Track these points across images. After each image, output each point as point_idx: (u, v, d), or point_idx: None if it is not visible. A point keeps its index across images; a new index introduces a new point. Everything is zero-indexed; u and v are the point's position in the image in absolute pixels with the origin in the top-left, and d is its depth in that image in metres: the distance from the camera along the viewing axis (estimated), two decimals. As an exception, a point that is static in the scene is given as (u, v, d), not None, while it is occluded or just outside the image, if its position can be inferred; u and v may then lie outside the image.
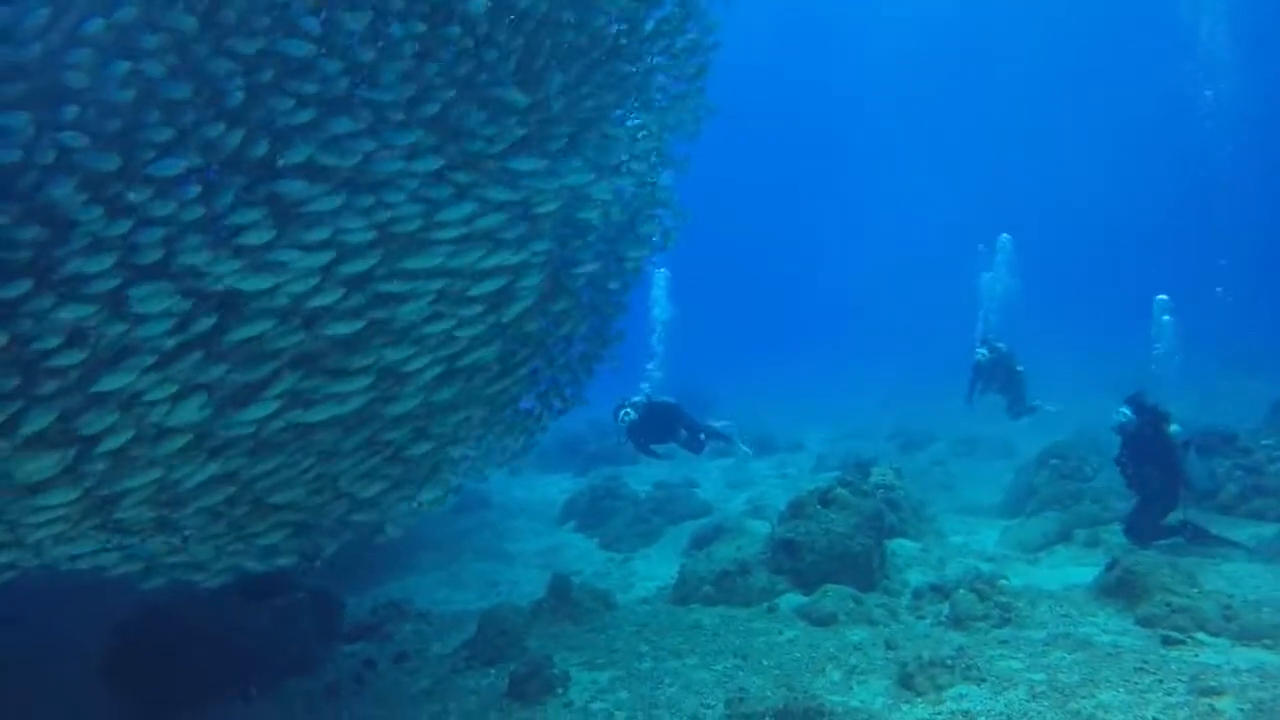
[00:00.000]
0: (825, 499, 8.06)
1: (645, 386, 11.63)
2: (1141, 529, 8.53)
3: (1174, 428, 8.62)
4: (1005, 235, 15.51)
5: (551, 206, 5.18)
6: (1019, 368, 13.39)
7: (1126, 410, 8.84)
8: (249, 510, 4.90)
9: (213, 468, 4.38)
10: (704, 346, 42.58)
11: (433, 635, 7.88)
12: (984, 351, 13.46)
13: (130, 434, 3.96)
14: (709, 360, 37.75)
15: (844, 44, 56.90)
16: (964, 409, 13.69)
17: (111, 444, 3.90)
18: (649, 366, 12.64)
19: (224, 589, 6.84)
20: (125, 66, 3.68)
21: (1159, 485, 8.53)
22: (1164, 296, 14.30)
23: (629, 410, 10.77)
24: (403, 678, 6.79)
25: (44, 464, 3.77)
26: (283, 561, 5.56)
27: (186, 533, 4.67)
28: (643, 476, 15.59)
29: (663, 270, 13.87)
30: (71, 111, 3.61)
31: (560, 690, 6.02)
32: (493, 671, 6.61)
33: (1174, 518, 8.63)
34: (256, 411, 4.35)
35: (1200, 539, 8.32)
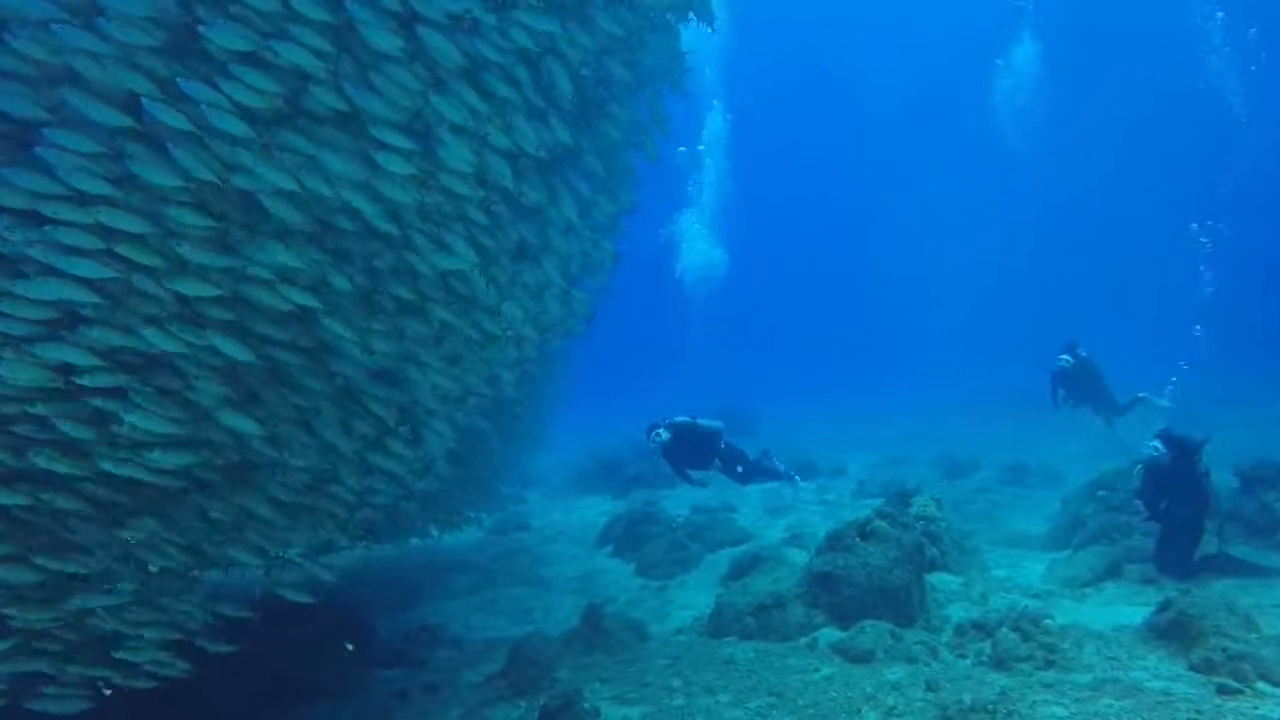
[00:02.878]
0: (864, 531, 7.88)
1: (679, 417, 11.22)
2: (1174, 562, 8.30)
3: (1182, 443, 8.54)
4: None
5: None
6: (1103, 378, 13.15)
7: (1158, 444, 8.61)
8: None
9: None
10: (747, 367, 42.58)
11: (464, 663, 7.85)
12: (1067, 358, 13.19)
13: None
14: (752, 381, 37.66)
15: (892, 65, 56.92)
16: (1051, 414, 13.75)
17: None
18: None
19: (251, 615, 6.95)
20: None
21: (1186, 517, 8.31)
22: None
23: (660, 431, 10.61)
24: (434, 708, 6.76)
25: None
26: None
27: None
28: (681, 500, 15.49)
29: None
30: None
31: (589, 726, 5.94)
32: (523, 704, 6.56)
33: (1206, 549, 8.48)
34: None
35: (1236, 569, 8.12)
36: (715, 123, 22.86)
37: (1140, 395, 13.59)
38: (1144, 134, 46.30)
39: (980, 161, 50.09)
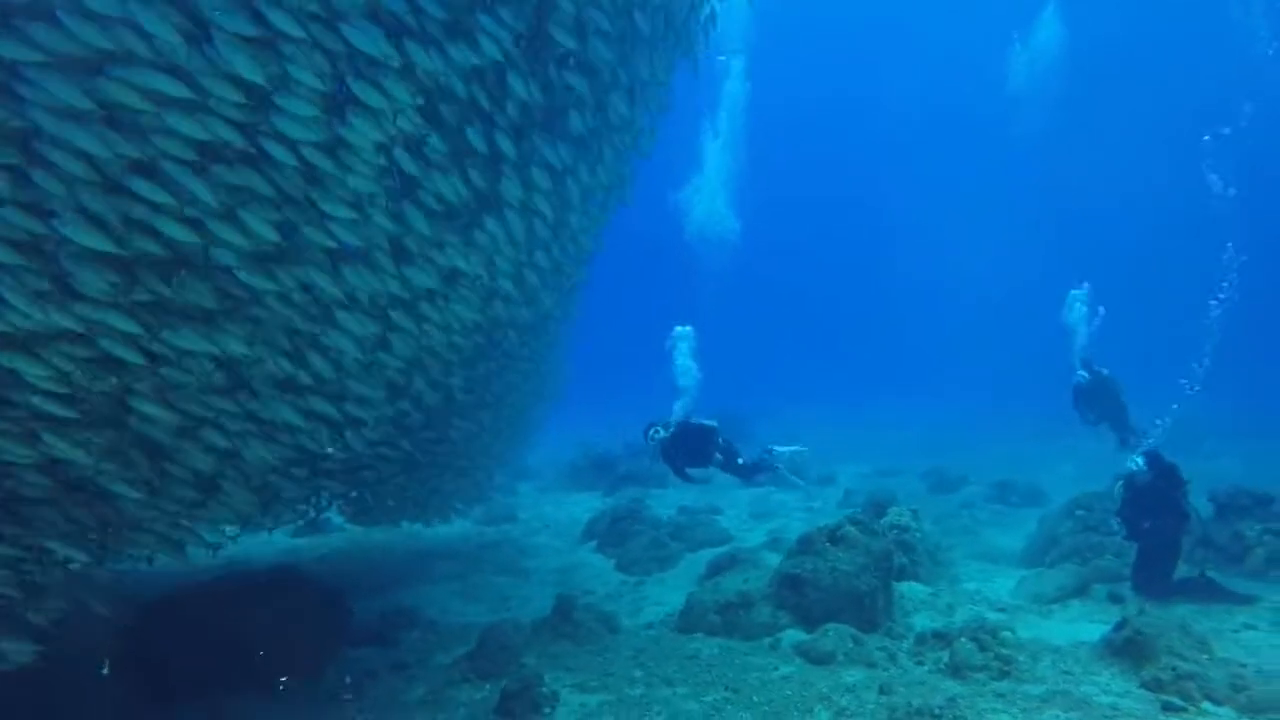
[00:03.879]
0: (834, 536, 8.01)
1: (676, 408, 11.38)
2: (1152, 583, 8.40)
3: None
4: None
5: None
6: (1122, 396, 13.18)
7: (1139, 460, 8.71)
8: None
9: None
10: (752, 379, 42.65)
11: (437, 645, 8.00)
12: (1084, 374, 13.23)
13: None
14: (755, 385, 37.75)
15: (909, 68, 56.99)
16: (1081, 430, 13.69)
17: None
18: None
19: (228, 586, 7.12)
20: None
21: (1166, 537, 8.41)
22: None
23: (659, 429, 10.74)
24: (400, 685, 6.91)
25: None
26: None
27: None
28: (668, 501, 15.64)
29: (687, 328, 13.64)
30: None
31: (548, 710, 6.09)
32: (488, 686, 6.71)
33: (1184, 571, 8.58)
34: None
35: (1215, 594, 8.20)
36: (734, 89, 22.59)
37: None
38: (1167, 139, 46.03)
39: (996, 166, 50.20)
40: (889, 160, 62.06)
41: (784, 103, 47.97)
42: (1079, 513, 10.27)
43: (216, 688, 6.61)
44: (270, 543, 12.13)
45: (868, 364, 50.93)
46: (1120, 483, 8.96)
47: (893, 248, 62.29)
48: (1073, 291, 13.91)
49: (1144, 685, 6.14)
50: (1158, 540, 8.59)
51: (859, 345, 58.37)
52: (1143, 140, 46.93)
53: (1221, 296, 12.86)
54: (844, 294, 67.93)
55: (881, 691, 6.14)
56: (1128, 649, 6.58)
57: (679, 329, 11.66)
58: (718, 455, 10.95)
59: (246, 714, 6.41)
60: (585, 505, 16.70)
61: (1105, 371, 13.34)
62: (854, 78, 60.30)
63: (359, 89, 4.90)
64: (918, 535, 9.54)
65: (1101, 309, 13.77)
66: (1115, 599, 8.49)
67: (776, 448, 11.52)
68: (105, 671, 6.18)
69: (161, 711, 6.35)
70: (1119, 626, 6.82)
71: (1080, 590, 8.73)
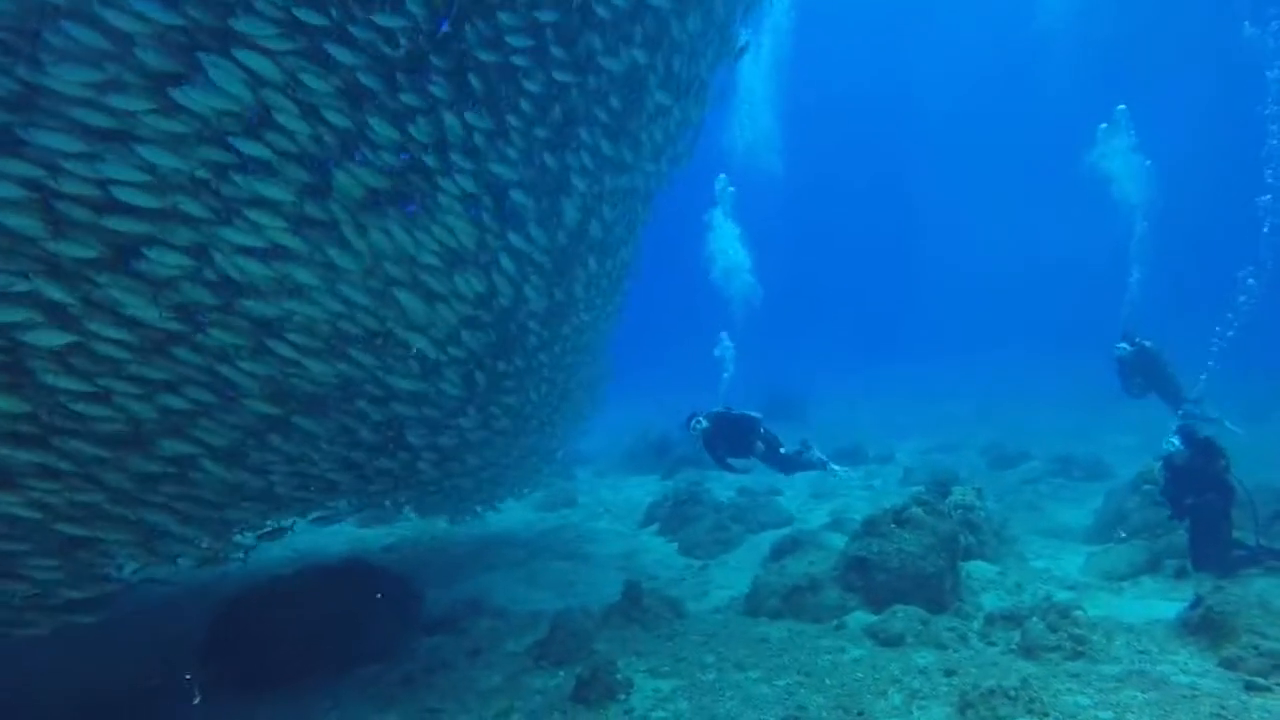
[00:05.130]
0: (900, 518, 8.01)
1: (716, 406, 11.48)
2: (1208, 559, 8.25)
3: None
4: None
5: None
6: (1168, 368, 13.06)
7: (1175, 441, 8.58)
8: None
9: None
10: (804, 351, 42.42)
11: (507, 632, 8.17)
12: (1124, 346, 13.15)
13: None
14: (808, 365, 37.54)
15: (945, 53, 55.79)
16: (1121, 400, 13.78)
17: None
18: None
19: (308, 576, 7.38)
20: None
21: (1212, 512, 8.25)
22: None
23: (700, 420, 10.80)
24: (475, 672, 7.09)
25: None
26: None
27: None
28: (727, 482, 15.69)
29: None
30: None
31: (623, 696, 6.21)
32: (561, 673, 6.85)
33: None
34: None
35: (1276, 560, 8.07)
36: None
37: (1214, 418, 13.38)
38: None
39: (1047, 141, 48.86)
40: (930, 133, 60.93)
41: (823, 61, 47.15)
42: (1146, 487, 10.09)
43: (297, 675, 6.89)
44: (338, 533, 12.49)
45: (917, 330, 50.33)
46: (1159, 463, 8.85)
47: (938, 212, 61.24)
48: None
49: (1223, 664, 6.06)
50: (1204, 516, 8.42)
51: (906, 310, 57.69)
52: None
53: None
54: (891, 259, 66.94)
55: (953, 673, 6.15)
56: (1205, 627, 6.50)
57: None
58: (759, 445, 10.99)
59: (323, 699, 6.65)
60: (644, 488, 16.85)
61: (1148, 343, 13.18)
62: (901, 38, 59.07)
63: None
64: (983, 514, 9.49)
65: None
66: (1182, 574, 8.36)
67: (829, 461, 11.58)
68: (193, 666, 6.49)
69: (245, 698, 6.63)
70: (1195, 604, 6.74)
71: (1152, 566, 8.61)
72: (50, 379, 4.61)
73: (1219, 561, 8.24)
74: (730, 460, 11.05)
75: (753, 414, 11.06)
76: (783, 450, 11.11)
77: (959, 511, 9.16)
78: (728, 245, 17.41)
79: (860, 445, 18.80)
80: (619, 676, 6.37)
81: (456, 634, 8.26)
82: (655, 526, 13.13)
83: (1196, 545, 8.46)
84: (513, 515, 13.80)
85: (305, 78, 4.98)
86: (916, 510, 8.02)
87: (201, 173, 4.78)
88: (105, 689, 6.32)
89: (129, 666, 6.82)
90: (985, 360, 35.77)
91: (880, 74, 60.05)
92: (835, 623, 7.51)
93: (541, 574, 10.53)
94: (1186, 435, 8.64)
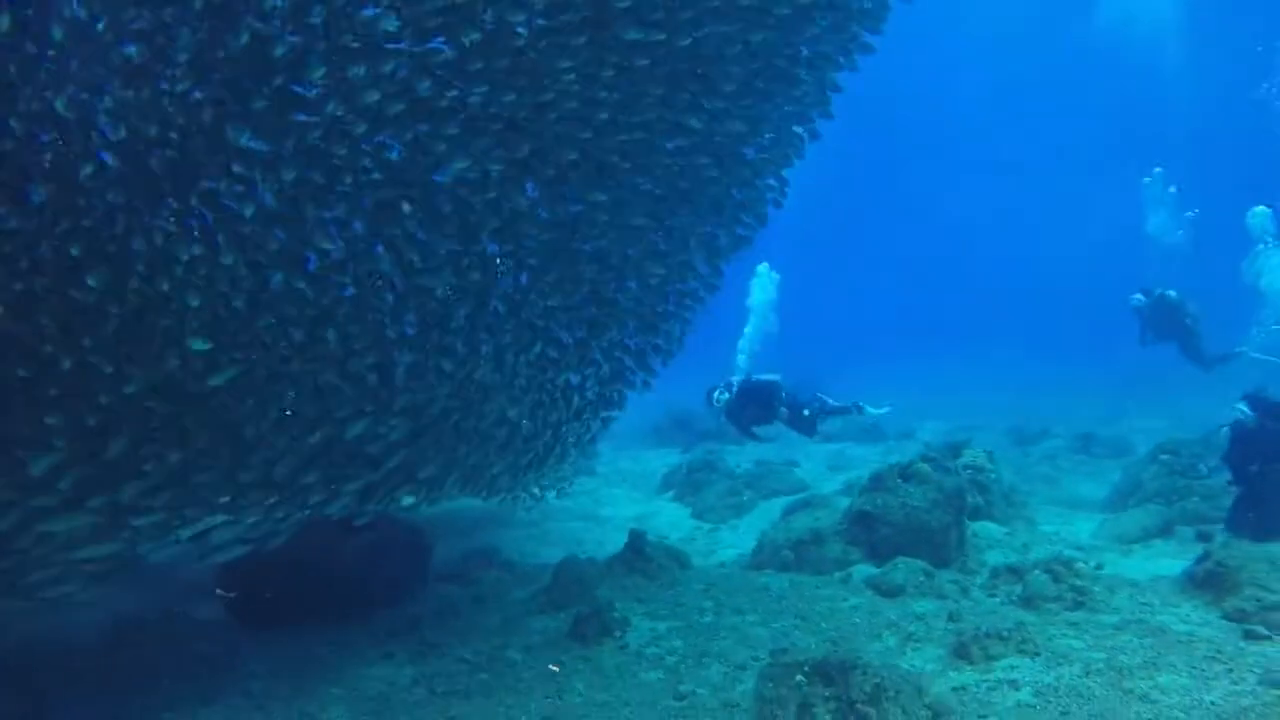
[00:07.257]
0: (906, 473, 7.99)
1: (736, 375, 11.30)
2: (1248, 524, 8.03)
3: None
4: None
5: None
6: (1187, 320, 12.89)
7: (1244, 406, 8.38)
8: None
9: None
10: (842, 340, 42.05)
11: (514, 583, 8.26)
12: (1139, 296, 13.07)
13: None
14: (843, 353, 37.22)
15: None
16: (1137, 351, 13.79)
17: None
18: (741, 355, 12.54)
19: (321, 520, 7.46)
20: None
21: (1274, 480, 8.04)
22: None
23: (723, 391, 10.72)
24: (478, 616, 7.19)
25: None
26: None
27: None
28: (744, 454, 15.67)
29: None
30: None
31: (618, 634, 6.28)
32: (561, 615, 6.92)
33: None
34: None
35: None
36: None
37: (1239, 350, 13.19)
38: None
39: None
40: (966, 121, 59.92)
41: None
42: (1164, 457, 9.95)
43: (307, 617, 7.02)
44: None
45: (949, 317, 49.71)
46: (1225, 429, 8.63)
47: (970, 217, 60.25)
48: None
49: (1226, 616, 5.97)
50: (1267, 484, 8.19)
51: (939, 296, 56.95)
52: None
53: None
54: (922, 245, 65.94)
55: (951, 619, 6.15)
56: (1210, 581, 6.40)
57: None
58: (783, 409, 10.87)
59: (333, 641, 6.77)
60: (663, 460, 16.86)
61: (1172, 294, 12.98)
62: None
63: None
64: (993, 476, 9.41)
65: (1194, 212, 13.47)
66: (1204, 538, 8.21)
67: (868, 408, 11.29)
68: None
69: (255, 637, 6.77)
70: (1201, 559, 6.65)
71: (1165, 531, 8.52)
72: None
73: (1261, 528, 7.98)
74: (755, 430, 10.99)
75: (773, 377, 10.95)
76: (806, 412, 10.92)
77: (968, 471, 9.11)
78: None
79: (880, 425, 18.66)
80: (616, 615, 6.43)
81: (465, 584, 8.37)
82: (671, 494, 13.18)
83: (1240, 510, 8.21)
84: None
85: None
86: (923, 466, 7.99)
87: None
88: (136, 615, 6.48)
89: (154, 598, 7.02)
90: (1028, 357, 35.22)
91: (909, 71, 59.19)
92: (838, 575, 7.52)
93: (553, 533, 10.64)
94: (1255, 400, 8.45)
